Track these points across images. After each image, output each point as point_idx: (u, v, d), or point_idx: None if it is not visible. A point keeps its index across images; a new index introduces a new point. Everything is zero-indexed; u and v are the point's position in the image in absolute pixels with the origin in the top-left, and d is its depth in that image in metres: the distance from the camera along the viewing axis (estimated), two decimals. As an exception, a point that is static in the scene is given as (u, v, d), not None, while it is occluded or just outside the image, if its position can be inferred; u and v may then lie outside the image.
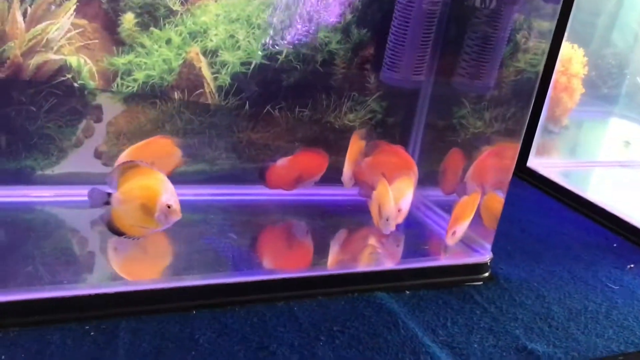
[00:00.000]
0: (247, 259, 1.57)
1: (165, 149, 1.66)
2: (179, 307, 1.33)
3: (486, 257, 1.74)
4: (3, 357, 1.12)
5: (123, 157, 1.56)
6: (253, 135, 1.87)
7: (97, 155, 1.72)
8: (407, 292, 1.58)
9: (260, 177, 1.77)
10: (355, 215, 1.90)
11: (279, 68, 1.81)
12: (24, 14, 1.53)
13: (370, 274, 1.60)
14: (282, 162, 1.76)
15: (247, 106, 1.82)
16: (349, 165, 1.80)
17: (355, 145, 1.82)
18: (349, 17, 1.85)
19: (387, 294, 1.55)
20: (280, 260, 1.66)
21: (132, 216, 1.39)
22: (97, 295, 1.29)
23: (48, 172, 1.68)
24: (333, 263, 1.65)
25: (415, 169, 1.82)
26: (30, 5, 1.53)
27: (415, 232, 1.90)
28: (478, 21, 1.83)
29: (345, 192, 1.87)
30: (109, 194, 1.38)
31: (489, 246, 1.76)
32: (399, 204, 1.68)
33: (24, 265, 1.38)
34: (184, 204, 1.43)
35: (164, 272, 1.51)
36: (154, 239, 1.56)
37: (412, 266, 1.67)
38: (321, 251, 1.71)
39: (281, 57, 1.80)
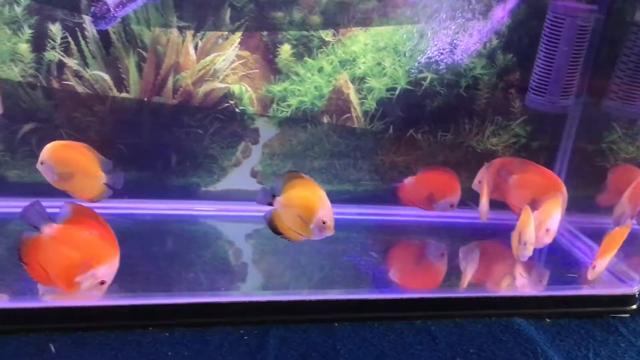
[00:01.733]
0: (386, 277, 1.64)
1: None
2: (322, 318, 1.43)
3: (634, 288, 1.67)
4: (169, 353, 1.28)
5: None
6: (396, 158, 1.94)
7: (253, 174, 1.88)
8: (548, 320, 1.56)
9: (393, 195, 1.83)
10: (496, 239, 1.90)
11: (423, 93, 1.87)
12: (196, 47, 1.72)
13: (509, 299, 1.60)
14: (409, 180, 1.80)
15: (391, 130, 1.90)
16: (486, 197, 1.80)
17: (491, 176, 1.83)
18: (494, 42, 1.87)
19: (526, 320, 1.54)
20: (419, 280, 1.71)
21: (290, 221, 1.50)
22: (250, 303, 1.42)
23: (210, 188, 1.87)
24: (472, 285, 1.67)
25: (564, 189, 1.78)
26: (201, 39, 1.72)
27: (559, 259, 1.86)
28: (635, 38, 1.78)
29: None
30: (274, 196, 1.50)
31: (638, 277, 1.69)
32: (546, 224, 1.66)
33: (188, 272, 1.55)
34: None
35: (310, 284, 1.62)
36: (302, 251, 1.68)
37: (553, 294, 1.65)
38: (460, 273, 1.73)
39: (425, 83, 1.86)
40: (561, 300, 1.63)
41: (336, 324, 1.43)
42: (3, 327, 1.25)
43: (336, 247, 1.74)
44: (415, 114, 1.89)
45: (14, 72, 1.63)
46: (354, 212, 1.94)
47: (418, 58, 1.84)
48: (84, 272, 1.24)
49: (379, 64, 1.83)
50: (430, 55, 1.84)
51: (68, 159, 1.53)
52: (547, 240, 1.68)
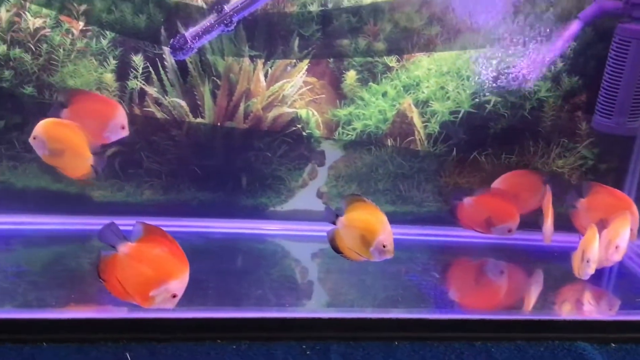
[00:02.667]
0: (447, 297, 1.67)
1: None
2: (383, 336, 1.47)
3: None
4: (236, 365, 1.35)
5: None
6: (459, 179, 1.96)
7: (319, 195, 1.95)
8: (613, 345, 1.55)
9: (451, 213, 1.85)
10: (561, 263, 1.89)
11: (487, 116, 1.89)
12: (266, 75, 1.82)
13: (573, 322, 1.59)
14: (468, 200, 1.82)
15: (454, 152, 1.93)
16: (551, 219, 1.79)
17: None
18: (559, 65, 1.88)
19: (589, 344, 1.53)
20: (479, 301, 1.73)
21: (351, 241, 1.56)
22: (313, 319, 1.48)
23: (278, 208, 1.95)
24: (534, 308, 1.67)
25: (634, 207, 1.76)
26: (270, 67, 1.81)
27: (627, 283, 1.83)
28: None
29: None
30: (337, 216, 1.57)
31: None
32: (616, 241, 1.65)
33: (256, 288, 1.63)
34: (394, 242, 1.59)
35: (372, 303, 1.67)
36: (367, 271, 1.73)
37: (620, 318, 1.63)
38: (522, 295, 1.74)
39: (489, 106, 1.89)
40: (628, 325, 1.60)
41: (396, 343, 1.47)
42: (87, 336, 1.35)
43: (399, 267, 1.78)
44: (479, 136, 1.92)
45: (100, 100, 1.77)
46: (417, 232, 1.98)
47: (481, 82, 1.87)
48: (158, 287, 1.33)
49: (442, 88, 1.88)
50: (493, 78, 1.86)
51: (60, 136, 1.59)
52: (617, 257, 1.67)
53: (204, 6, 1.72)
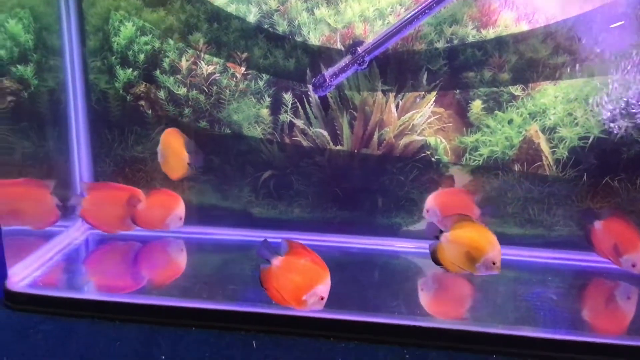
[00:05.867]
0: (560, 318, 1.70)
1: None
2: (481, 349, 1.57)
3: None
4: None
5: None
6: (593, 204, 1.97)
7: (448, 216, 2.09)
8: None
9: (586, 239, 1.85)
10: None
11: (618, 141, 1.89)
12: (397, 106, 2.02)
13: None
14: (598, 224, 1.81)
15: (584, 177, 1.94)
16: None
17: None
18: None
19: None
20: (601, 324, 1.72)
21: (455, 256, 1.70)
22: (416, 327, 1.62)
23: (411, 228, 2.12)
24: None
25: None
26: (401, 99, 2.01)
27: None
28: None
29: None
30: (441, 231, 1.72)
31: None
32: None
33: (391, 299, 1.80)
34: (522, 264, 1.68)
35: (475, 316, 1.75)
36: (497, 291, 1.84)
37: None
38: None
39: (620, 132, 1.88)
40: None
41: (494, 356, 1.56)
42: (225, 324, 1.66)
43: (530, 289, 1.84)
44: (610, 161, 1.91)
45: (257, 131, 2.10)
46: (548, 256, 2.01)
47: (611, 108, 1.87)
48: (308, 291, 1.59)
49: (569, 114, 1.91)
50: (624, 104, 1.86)
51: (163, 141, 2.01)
52: None
53: (342, 49, 1.98)
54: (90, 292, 1.81)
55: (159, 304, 1.70)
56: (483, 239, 1.67)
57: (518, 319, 1.68)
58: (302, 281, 1.59)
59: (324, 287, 1.58)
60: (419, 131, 2.03)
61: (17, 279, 1.81)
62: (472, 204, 1.94)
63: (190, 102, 2.11)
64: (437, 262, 1.71)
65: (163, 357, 1.53)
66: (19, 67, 2.02)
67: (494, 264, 1.66)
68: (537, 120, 1.94)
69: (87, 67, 2.12)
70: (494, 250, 1.66)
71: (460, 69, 1.95)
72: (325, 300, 1.59)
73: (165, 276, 1.97)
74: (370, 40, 1.92)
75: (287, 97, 2.07)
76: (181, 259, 2.11)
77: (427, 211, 1.99)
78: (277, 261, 1.62)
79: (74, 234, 2.16)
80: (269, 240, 1.63)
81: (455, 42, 1.92)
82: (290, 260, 1.62)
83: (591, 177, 1.94)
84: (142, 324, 1.67)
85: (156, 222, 2.02)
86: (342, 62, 1.95)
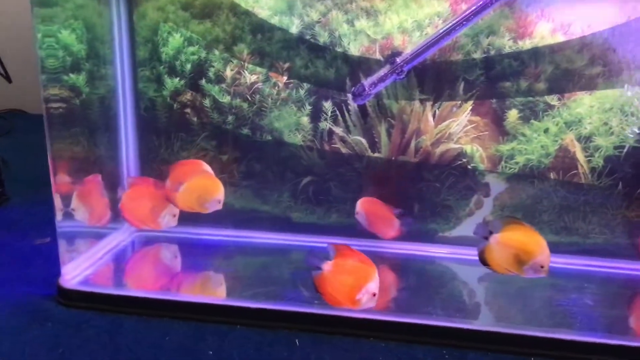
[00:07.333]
0: (595, 323, 1.73)
1: None
2: (517, 351, 1.61)
3: None
4: (380, 358, 1.59)
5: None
6: (628, 213, 1.99)
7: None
8: None
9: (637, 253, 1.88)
10: None
11: (654, 151, 1.92)
12: (434, 115, 2.07)
13: None
14: None
15: (620, 186, 1.97)
16: None
17: None
18: None
19: None
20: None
21: (503, 258, 1.72)
22: (456, 328, 1.67)
23: (446, 234, 2.16)
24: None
25: None
26: (438, 108, 2.06)
27: None
28: None
29: None
30: (491, 232, 1.74)
31: None
32: None
33: (427, 304, 1.84)
34: (557, 270, 1.72)
35: (509, 319, 1.80)
36: (533, 297, 1.88)
37: None
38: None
39: (656, 141, 1.91)
40: None
41: (532, 359, 1.60)
42: (267, 323, 1.72)
43: (564, 295, 1.88)
44: (646, 170, 1.95)
45: (297, 138, 2.17)
46: (584, 263, 2.04)
47: (647, 117, 1.90)
48: (360, 290, 1.65)
49: (605, 123, 1.95)
50: (659, 114, 1.89)
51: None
52: None
53: (381, 59, 2.04)
54: (138, 290, 1.90)
55: (206, 302, 1.78)
56: (533, 242, 1.70)
57: (556, 323, 1.72)
58: (353, 281, 1.66)
59: (374, 284, 1.65)
60: (455, 139, 2.08)
61: (69, 277, 1.90)
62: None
63: (233, 110, 2.19)
64: (484, 262, 1.74)
65: (210, 352, 1.60)
66: (72, 75, 2.12)
67: (542, 267, 1.69)
68: (572, 129, 1.98)
69: (136, 76, 2.23)
70: (543, 254, 1.69)
71: (497, 78, 2.00)
72: (377, 296, 1.64)
73: (208, 277, 2.06)
74: (408, 50, 1.98)
75: (327, 105, 2.13)
76: (226, 261, 2.19)
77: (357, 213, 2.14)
78: (327, 266, 1.68)
79: (122, 235, 2.25)
80: (311, 246, 1.70)
81: (492, 52, 1.98)
82: (340, 262, 1.69)
83: (626, 186, 1.97)
84: (189, 321, 1.75)
85: (195, 204, 1.99)
86: (381, 72, 2.01)
